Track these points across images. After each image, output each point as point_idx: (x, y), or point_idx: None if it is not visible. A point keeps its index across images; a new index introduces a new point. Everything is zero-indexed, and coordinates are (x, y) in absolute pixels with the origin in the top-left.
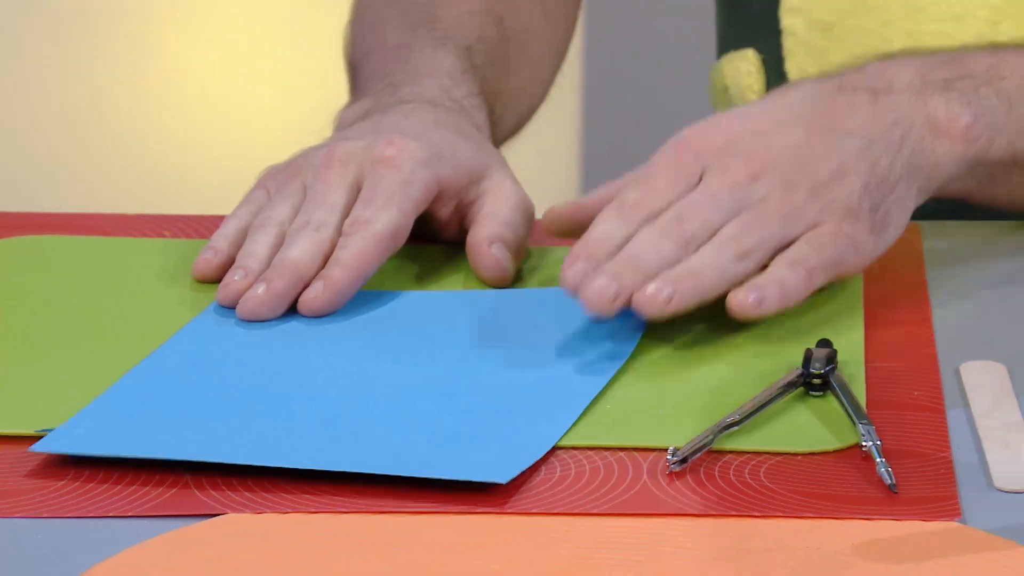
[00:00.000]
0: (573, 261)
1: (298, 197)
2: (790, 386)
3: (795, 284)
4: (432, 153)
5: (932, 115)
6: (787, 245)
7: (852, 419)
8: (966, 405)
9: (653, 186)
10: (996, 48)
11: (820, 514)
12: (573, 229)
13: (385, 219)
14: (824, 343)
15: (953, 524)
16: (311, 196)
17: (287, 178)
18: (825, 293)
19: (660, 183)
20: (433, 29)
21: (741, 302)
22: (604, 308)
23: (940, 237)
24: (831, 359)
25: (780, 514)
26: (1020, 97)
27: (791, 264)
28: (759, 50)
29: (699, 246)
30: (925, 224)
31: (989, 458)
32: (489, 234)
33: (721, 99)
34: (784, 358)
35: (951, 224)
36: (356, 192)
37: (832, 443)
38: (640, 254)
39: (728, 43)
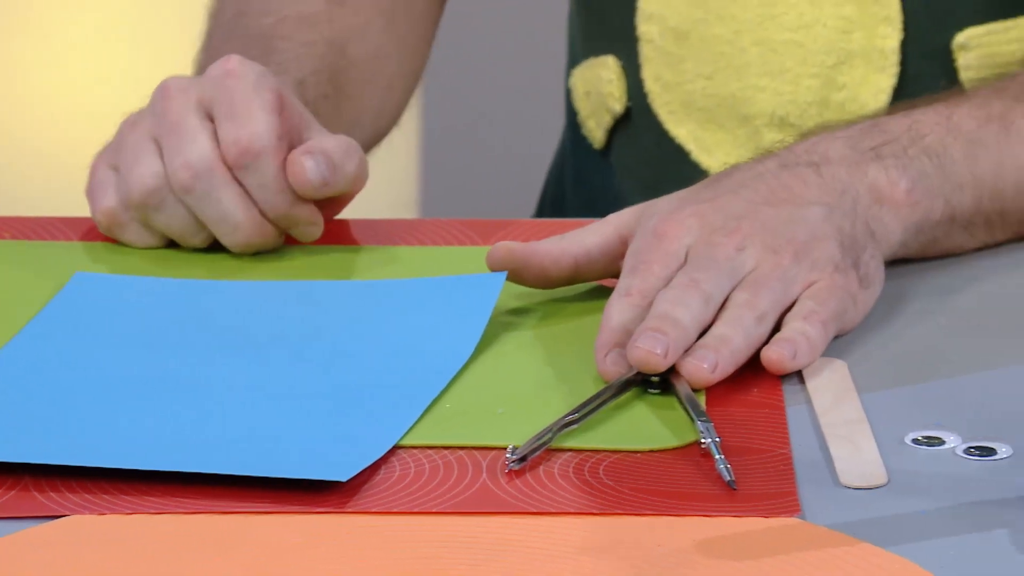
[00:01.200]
0: (604, 353)
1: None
2: (628, 384)
3: (816, 336)
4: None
5: (873, 184)
6: (789, 307)
7: (691, 416)
8: (808, 402)
9: (648, 272)
10: (908, 109)
11: (660, 511)
12: (518, 269)
13: (259, 130)
14: None
15: (793, 520)
16: (167, 132)
17: (129, 140)
18: None
19: (655, 268)
20: (268, 63)
21: (779, 356)
22: (658, 365)
23: None
24: None
25: (620, 511)
26: (945, 154)
27: (806, 318)
28: (618, 57)
29: (715, 307)
30: None
31: (833, 455)
32: (307, 148)
33: (583, 105)
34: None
35: None
36: (206, 113)
37: (671, 440)
38: (670, 311)
39: (587, 49)
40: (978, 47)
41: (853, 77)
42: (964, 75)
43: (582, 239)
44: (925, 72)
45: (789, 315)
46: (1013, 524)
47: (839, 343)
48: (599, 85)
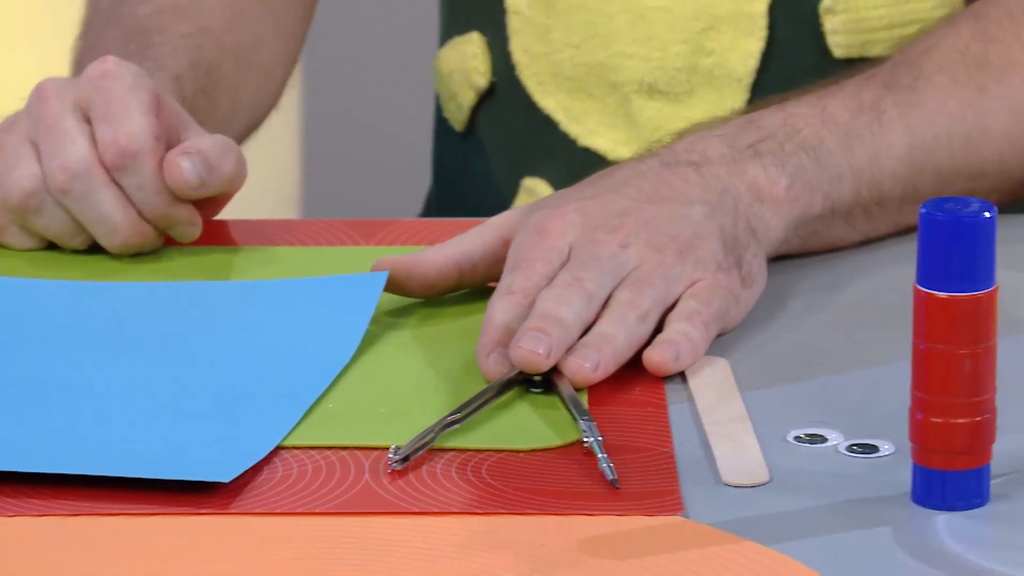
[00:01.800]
0: (487, 352)
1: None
2: (510, 383)
3: (698, 336)
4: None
5: (753, 182)
6: (671, 305)
7: (573, 415)
8: (690, 400)
9: (531, 270)
10: (781, 103)
11: (543, 511)
12: (402, 282)
13: (135, 131)
14: None
15: (676, 518)
16: (44, 134)
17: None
18: None
19: (537, 266)
20: (144, 58)
21: (662, 359)
22: (540, 365)
23: None
24: None
25: (504, 511)
26: (821, 147)
27: (688, 319)
28: (483, 33)
29: (598, 306)
30: None
31: (715, 453)
32: (184, 148)
33: (446, 86)
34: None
35: None
36: (83, 115)
37: (554, 440)
38: (553, 310)
39: (452, 29)
40: (844, 11)
41: (721, 42)
42: (831, 39)
43: (463, 245)
44: (793, 36)
45: (671, 315)
46: (895, 521)
47: (721, 341)
48: (463, 62)
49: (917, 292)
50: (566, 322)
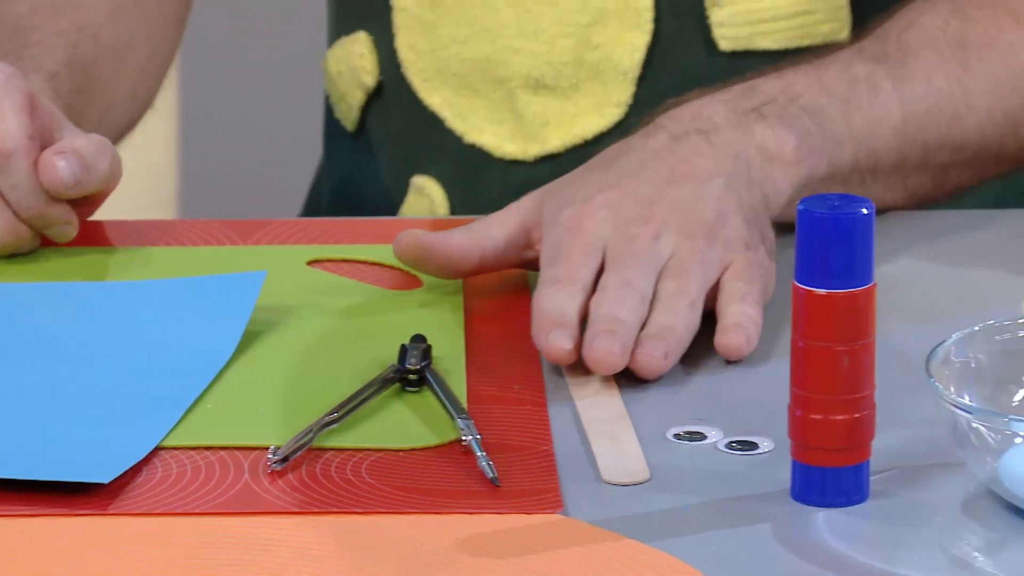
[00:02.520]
0: (547, 332)
1: None
2: (387, 382)
3: (757, 316)
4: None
5: (762, 144)
6: (713, 289)
7: (451, 414)
8: (570, 398)
9: (571, 261)
10: (778, 72)
11: (423, 510)
12: (424, 258)
13: (9, 131)
14: (419, 339)
15: (556, 516)
16: None
17: None
18: (425, 288)
19: (575, 256)
20: (20, 57)
21: (737, 343)
22: (617, 364)
23: None
24: (426, 354)
25: (383, 510)
26: (823, 112)
27: (743, 300)
28: (370, 32)
29: (649, 302)
30: None
31: (595, 451)
32: (59, 147)
33: (335, 86)
34: (382, 354)
35: None
36: None
37: (432, 439)
38: (616, 313)
39: (340, 29)
40: (730, 4)
41: (607, 36)
42: (717, 32)
43: (488, 231)
44: (679, 30)
45: (724, 299)
46: (775, 518)
47: None
48: (351, 61)
49: (796, 289)
50: (628, 322)
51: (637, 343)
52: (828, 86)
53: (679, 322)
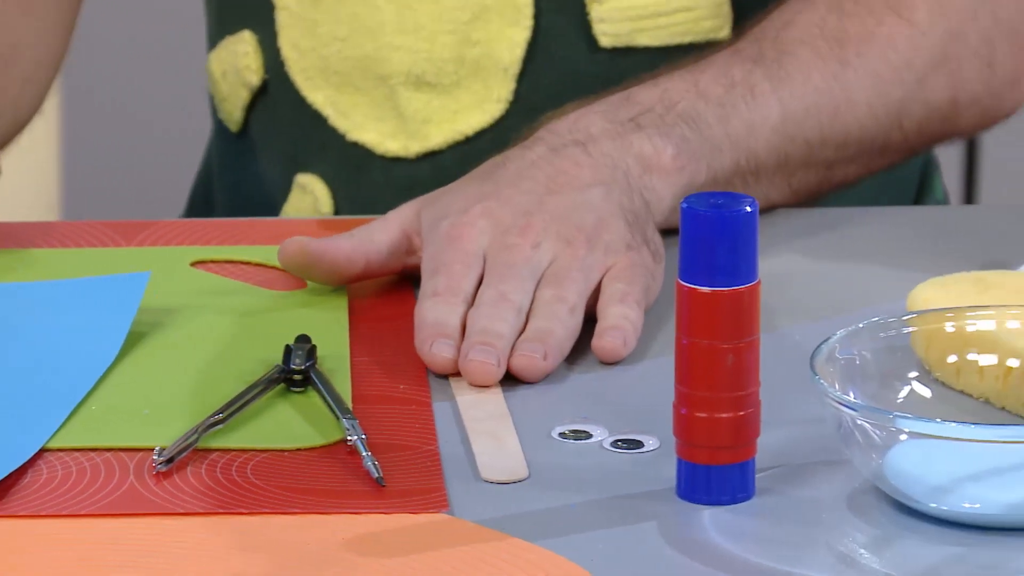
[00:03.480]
0: (429, 342)
1: None
2: (272, 383)
3: (637, 317)
4: None
5: (640, 153)
6: (595, 293)
7: (335, 414)
8: (454, 397)
9: (452, 273)
10: (655, 80)
11: (308, 510)
12: (310, 264)
13: None
14: (303, 339)
15: (441, 516)
16: None
17: None
18: (309, 289)
19: (456, 268)
20: None
21: (613, 345)
22: (492, 378)
23: None
24: (311, 354)
25: (268, 511)
26: (700, 119)
27: (622, 301)
28: (254, 31)
29: (526, 313)
30: None
31: (475, 450)
32: None
33: (219, 88)
34: (267, 355)
35: None
36: None
37: (317, 439)
38: (490, 326)
39: (223, 29)
40: (610, 0)
41: (488, 32)
42: (598, 28)
43: (371, 236)
44: (559, 26)
45: (603, 301)
46: (661, 516)
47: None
48: (235, 61)
49: (680, 287)
50: (504, 335)
51: (515, 348)
52: (704, 91)
53: (557, 326)
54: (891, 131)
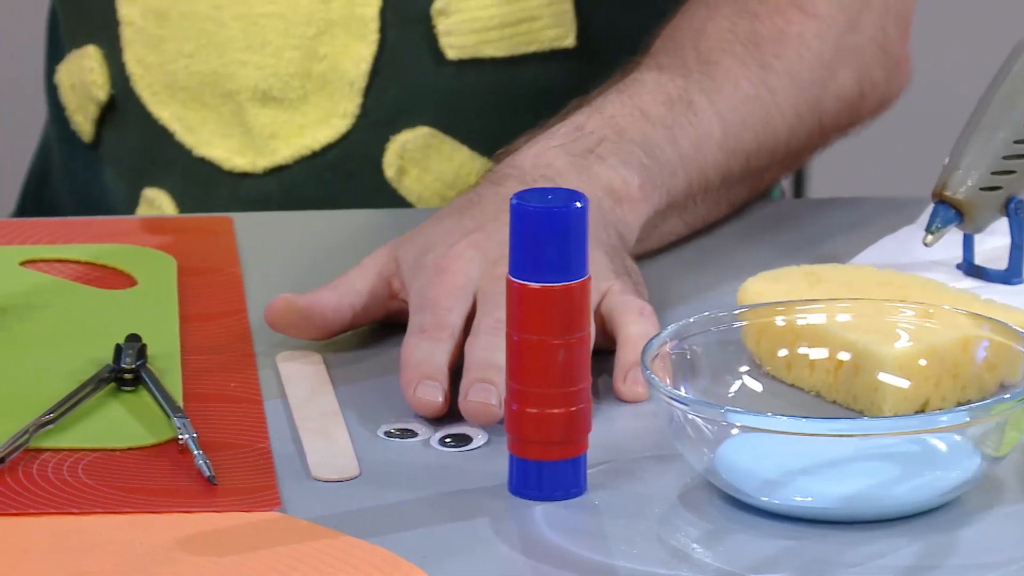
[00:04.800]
0: (415, 385)
1: None
2: (102, 382)
3: (654, 326)
4: None
5: (608, 186)
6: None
7: (167, 413)
8: (285, 395)
9: (437, 307)
10: (591, 105)
11: (140, 509)
12: (298, 322)
13: None
14: (133, 338)
15: (274, 514)
16: None
17: None
18: (139, 288)
19: (444, 303)
20: None
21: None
22: (494, 415)
23: (258, 229)
24: (141, 353)
25: (100, 510)
26: (651, 143)
27: (640, 313)
28: (99, 46)
29: None
30: (240, 216)
31: (306, 448)
32: None
33: (69, 99)
34: (98, 354)
35: (265, 215)
36: None
37: (148, 438)
38: (488, 357)
39: (70, 43)
40: (456, 12)
41: (334, 47)
42: (444, 41)
43: (352, 285)
44: (405, 39)
45: (620, 320)
46: (493, 512)
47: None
48: (83, 75)
49: (510, 283)
50: (504, 367)
51: None
52: (648, 113)
53: None
54: (813, 130)
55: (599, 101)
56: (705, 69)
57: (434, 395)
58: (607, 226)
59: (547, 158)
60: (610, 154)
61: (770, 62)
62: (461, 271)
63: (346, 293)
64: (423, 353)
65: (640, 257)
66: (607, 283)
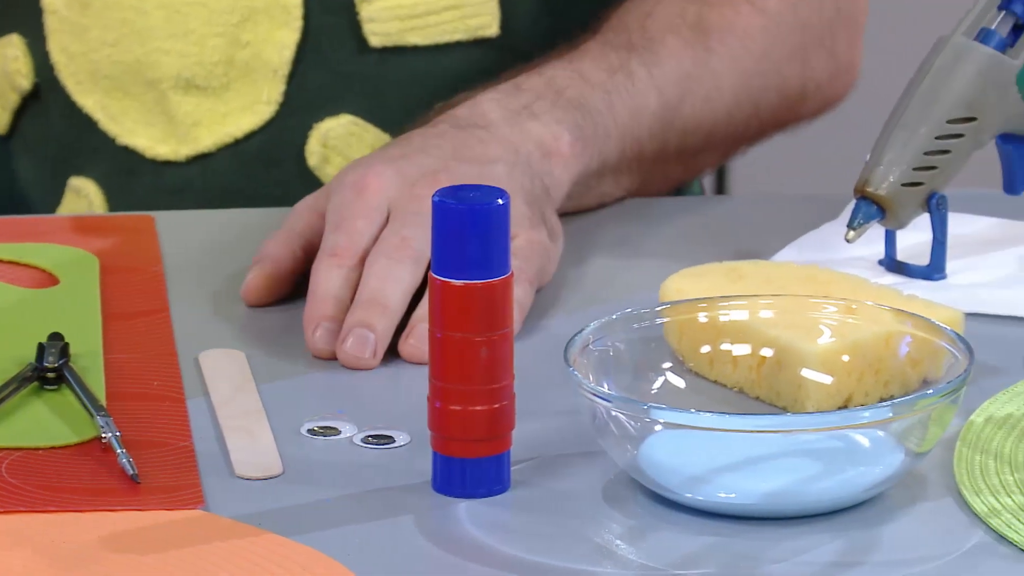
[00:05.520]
0: (314, 327)
1: None
2: (25, 381)
3: (525, 297)
4: None
5: (539, 140)
6: None
7: (89, 411)
8: (207, 393)
9: (352, 228)
10: (539, 67)
11: (64, 507)
12: (278, 287)
13: None
14: (56, 336)
15: (197, 512)
16: None
17: None
18: (61, 287)
19: (359, 224)
20: None
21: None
22: (368, 364)
23: (181, 227)
24: (64, 352)
25: (23, 509)
26: (589, 105)
27: (516, 281)
28: (23, 34)
29: (425, 263)
30: (163, 215)
31: (229, 446)
32: None
33: None
34: (20, 353)
35: (187, 214)
36: None
37: (71, 437)
38: (379, 290)
39: None
40: None
41: (258, 34)
42: (368, 28)
43: (292, 229)
44: (329, 26)
45: None
46: (417, 510)
47: (237, 334)
48: (5, 64)
49: (432, 280)
50: (391, 306)
51: (410, 332)
52: (588, 77)
53: None
54: (750, 119)
55: (542, 66)
56: (649, 45)
57: (327, 343)
58: (533, 176)
59: (482, 108)
60: (544, 111)
61: (714, 47)
62: (379, 190)
63: (286, 237)
64: (332, 286)
65: (564, 254)
66: (515, 230)
